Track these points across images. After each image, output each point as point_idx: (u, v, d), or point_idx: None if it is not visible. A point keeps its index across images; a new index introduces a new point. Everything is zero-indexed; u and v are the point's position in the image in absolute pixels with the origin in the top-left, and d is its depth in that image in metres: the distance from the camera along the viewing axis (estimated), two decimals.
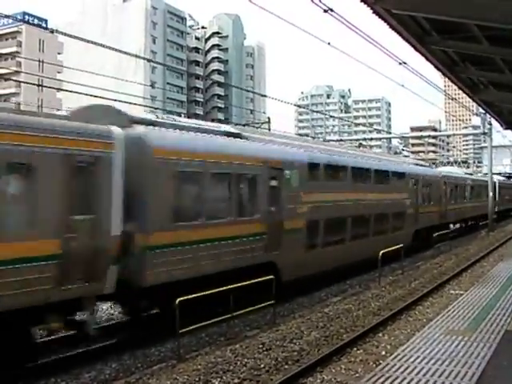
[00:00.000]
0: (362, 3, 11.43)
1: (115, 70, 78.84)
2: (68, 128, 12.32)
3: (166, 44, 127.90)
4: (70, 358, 13.02)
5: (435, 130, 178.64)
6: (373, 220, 27.02)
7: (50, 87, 35.55)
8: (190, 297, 13.25)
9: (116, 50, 22.95)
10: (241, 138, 19.04)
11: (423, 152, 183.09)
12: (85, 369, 12.47)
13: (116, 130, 13.34)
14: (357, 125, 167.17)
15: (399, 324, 16.19)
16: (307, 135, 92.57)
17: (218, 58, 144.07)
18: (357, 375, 11.48)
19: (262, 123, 50.62)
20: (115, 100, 22.89)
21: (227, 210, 17.23)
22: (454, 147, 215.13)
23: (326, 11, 13.72)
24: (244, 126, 49.36)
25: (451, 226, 46.79)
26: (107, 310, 17.89)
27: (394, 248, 24.52)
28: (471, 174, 61.35)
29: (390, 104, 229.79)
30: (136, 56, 26.31)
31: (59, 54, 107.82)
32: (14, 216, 11.47)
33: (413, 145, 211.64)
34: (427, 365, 9.93)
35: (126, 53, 24.04)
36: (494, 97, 24.08)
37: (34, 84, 24.06)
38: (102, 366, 12.71)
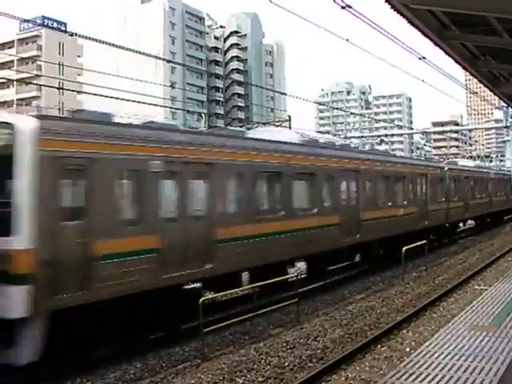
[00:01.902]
0: None
1: (135, 72, 79.15)
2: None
3: (185, 44, 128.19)
4: (95, 358, 13.10)
5: (457, 124, 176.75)
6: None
7: (70, 90, 35.76)
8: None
9: (135, 51, 23.04)
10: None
11: (445, 147, 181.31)
12: (110, 369, 12.56)
13: None
14: (378, 121, 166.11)
15: (423, 320, 16.17)
16: (328, 132, 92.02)
17: (237, 56, 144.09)
18: (381, 372, 11.49)
19: (283, 121, 50.50)
20: (134, 101, 23.05)
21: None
22: (476, 141, 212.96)
23: (343, 8, 13.64)
24: (264, 124, 49.39)
25: None
26: None
27: (417, 244, 24.69)
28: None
29: (410, 99, 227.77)
30: (155, 57, 26.47)
31: (79, 56, 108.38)
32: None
33: (435, 140, 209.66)
34: (451, 360, 9.88)
35: (145, 54, 24.09)
36: None
37: (54, 87, 24.12)
38: (127, 366, 12.77)
